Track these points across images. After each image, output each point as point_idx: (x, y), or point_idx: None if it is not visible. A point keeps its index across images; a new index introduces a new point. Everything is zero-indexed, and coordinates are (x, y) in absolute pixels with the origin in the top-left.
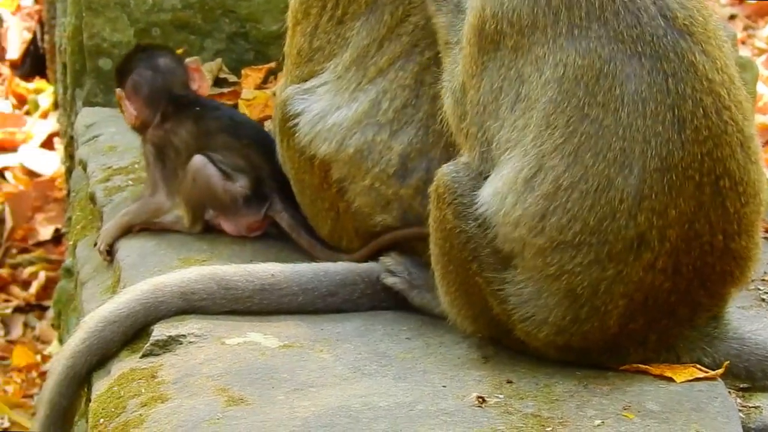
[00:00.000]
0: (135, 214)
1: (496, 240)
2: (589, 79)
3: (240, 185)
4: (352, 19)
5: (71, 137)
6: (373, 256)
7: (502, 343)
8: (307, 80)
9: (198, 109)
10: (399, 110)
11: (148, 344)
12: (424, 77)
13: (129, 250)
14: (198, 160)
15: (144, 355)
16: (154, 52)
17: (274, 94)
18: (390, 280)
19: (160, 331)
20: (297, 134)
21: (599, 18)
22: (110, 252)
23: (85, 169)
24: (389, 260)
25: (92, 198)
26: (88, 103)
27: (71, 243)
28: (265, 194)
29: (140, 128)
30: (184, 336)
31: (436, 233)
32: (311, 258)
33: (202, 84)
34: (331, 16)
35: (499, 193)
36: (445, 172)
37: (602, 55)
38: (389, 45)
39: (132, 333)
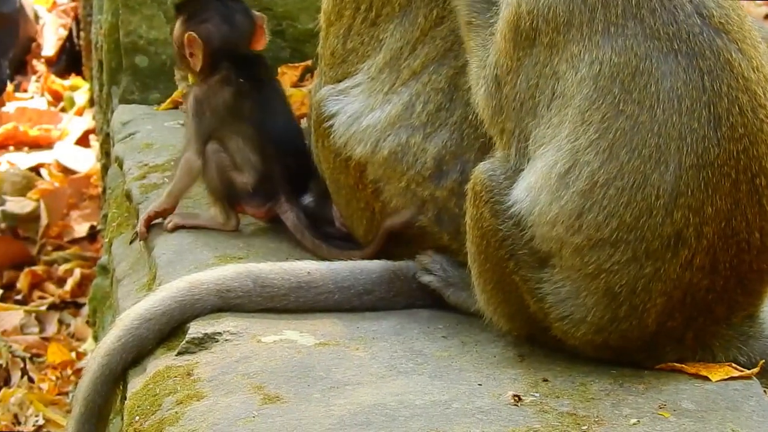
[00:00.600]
0: (174, 182)
1: (534, 240)
2: (625, 77)
3: (244, 180)
4: (385, 21)
5: (107, 134)
6: (382, 252)
7: (538, 341)
8: (341, 81)
9: (243, 83)
10: (432, 113)
11: (183, 342)
12: (458, 81)
13: (165, 247)
14: (210, 149)
15: (180, 353)
16: (232, 5)
17: (310, 92)
18: (426, 279)
19: (195, 329)
20: (332, 135)
21: (635, 16)
22: (148, 231)
23: (121, 166)
24: (425, 258)
25: (128, 195)
26: (124, 100)
27: (107, 240)
28: (271, 193)
29: (188, 77)
30: (219, 334)
31: (472, 231)
32: (315, 255)
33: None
34: (365, 18)
35: (533, 189)
36: (481, 170)
37: (638, 53)
38: (423, 48)
39: (168, 331)
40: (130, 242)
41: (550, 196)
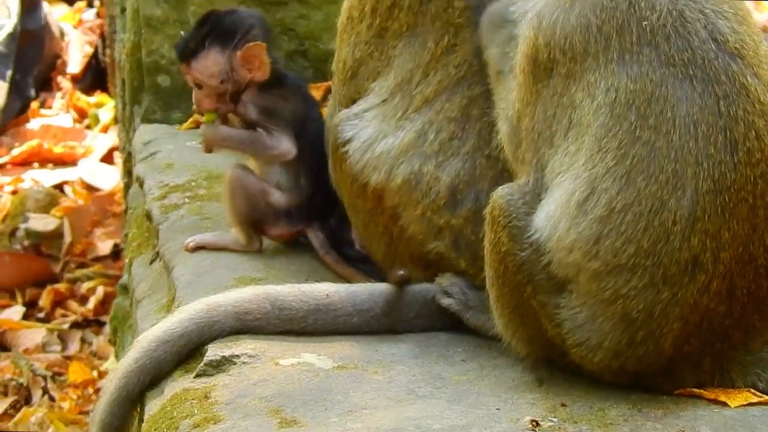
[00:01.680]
0: (244, 143)
1: (551, 266)
2: (641, 103)
3: (283, 201)
4: (393, 38)
5: (129, 153)
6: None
7: (556, 366)
8: (354, 100)
9: (308, 93)
10: (445, 142)
11: (201, 364)
12: (471, 111)
13: (184, 268)
14: (236, 173)
15: (197, 375)
16: (256, 12)
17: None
18: (445, 301)
19: (213, 351)
20: (348, 161)
21: (650, 43)
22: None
23: (142, 186)
24: (445, 281)
25: (148, 215)
26: (146, 119)
27: (127, 260)
28: (307, 214)
29: (239, 95)
30: (237, 356)
31: (490, 255)
32: (337, 275)
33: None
34: (370, 24)
35: (552, 217)
36: (500, 194)
37: (654, 79)
38: (435, 75)
39: (185, 353)
40: (150, 262)
41: (568, 223)
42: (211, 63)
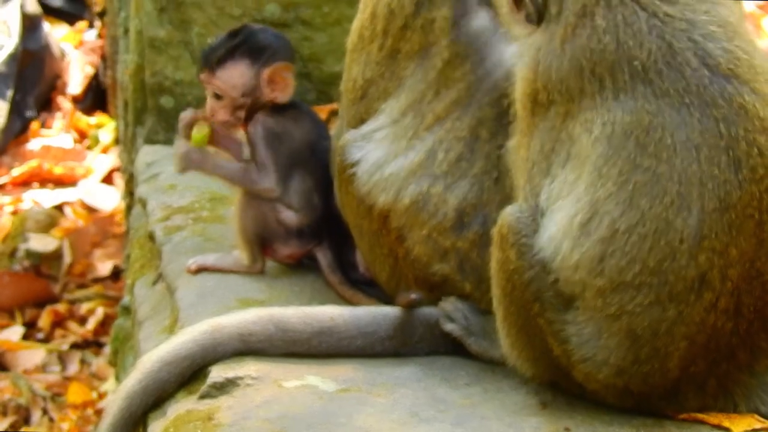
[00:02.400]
0: (233, 173)
1: (558, 283)
2: (639, 133)
3: (295, 221)
4: (405, 59)
5: (131, 174)
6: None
7: (560, 388)
8: (363, 120)
9: (317, 117)
10: (453, 163)
11: (205, 386)
12: (480, 132)
13: (188, 289)
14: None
15: (201, 397)
16: (284, 36)
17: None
18: (448, 327)
19: (217, 373)
20: (355, 182)
21: (643, 80)
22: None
23: (144, 207)
24: (448, 305)
25: (151, 236)
26: (149, 140)
27: (129, 281)
28: (316, 234)
29: (253, 112)
30: (241, 378)
31: (498, 275)
32: (340, 296)
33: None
34: (381, 45)
35: (555, 238)
36: (509, 212)
37: (650, 110)
38: (447, 92)
39: (189, 374)
40: (153, 283)
41: (571, 243)
42: (237, 74)
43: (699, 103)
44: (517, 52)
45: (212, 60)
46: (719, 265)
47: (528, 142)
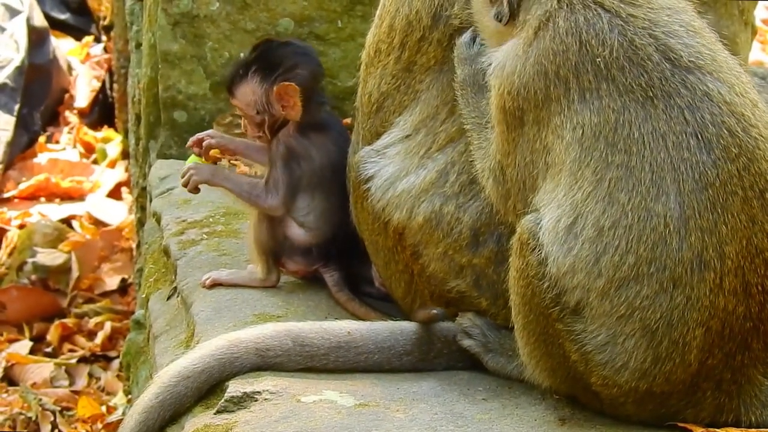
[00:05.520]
0: (240, 187)
1: (564, 294)
2: (608, 132)
3: (304, 239)
4: (421, 72)
5: (143, 188)
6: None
7: (578, 402)
8: (379, 134)
9: (344, 133)
10: (465, 184)
11: (222, 400)
12: None
13: (203, 304)
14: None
15: (218, 412)
16: (309, 50)
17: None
18: (466, 342)
19: (234, 388)
20: (370, 198)
21: (606, 77)
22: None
23: (159, 221)
24: (465, 321)
25: (166, 251)
26: (162, 155)
27: (144, 296)
28: (322, 255)
29: (279, 128)
30: (259, 393)
31: (518, 282)
32: (351, 314)
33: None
34: (398, 57)
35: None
36: (528, 219)
37: (615, 108)
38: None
39: (206, 389)
40: (168, 298)
41: (561, 247)
42: (249, 92)
43: (662, 94)
44: (491, 66)
45: (230, 78)
46: (713, 243)
47: (513, 161)
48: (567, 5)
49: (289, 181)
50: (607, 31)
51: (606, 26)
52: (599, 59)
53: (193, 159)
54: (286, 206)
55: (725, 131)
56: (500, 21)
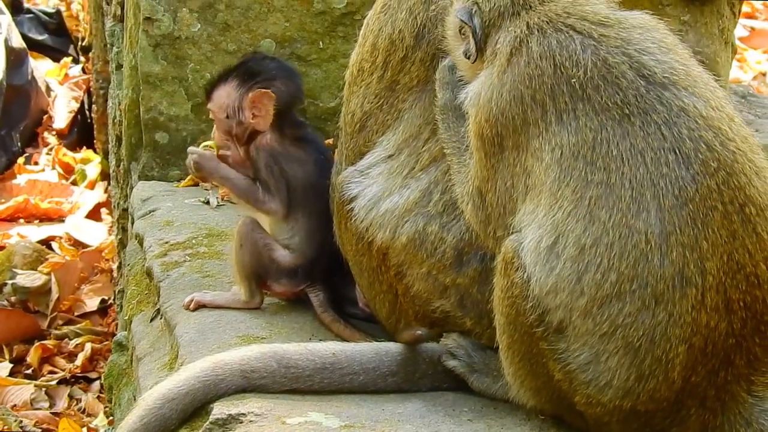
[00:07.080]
0: (240, 187)
1: (548, 313)
2: (586, 151)
3: (285, 258)
4: (404, 91)
5: (124, 209)
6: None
7: (563, 422)
8: (361, 155)
9: (323, 158)
10: (449, 204)
11: (207, 423)
12: None
13: (187, 326)
14: (246, 226)
15: None
16: (293, 70)
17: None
18: (451, 363)
19: (219, 410)
20: (353, 218)
21: (582, 97)
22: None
23: (141, 243)
24: (450, 342)
25: (149, 273)
26: (143, 176)
27: (126, 318)
28: (307, 276)
29: (253, 135)
30: (244, 415)
31: (503, 302)
32: (336, 335)
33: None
34: (381, 76)
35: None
36: (513, 239)
37: (592, 127)
38: None
39: (191, 411)
40: (151, 320)
41: (543, 267)
42: (224, 95)
43: (638, 111)
44: (467, 94)
45: (211, 83)
46: (693, 259)
47: (493, 186)
48: (538, 30)
49: (280, 183)
50: (580, 51)
51: (579, 47)
52: (574, 80)
53: (206, 143)
54: (287, 208)
55: (703, 146)
56: (468, 59)
